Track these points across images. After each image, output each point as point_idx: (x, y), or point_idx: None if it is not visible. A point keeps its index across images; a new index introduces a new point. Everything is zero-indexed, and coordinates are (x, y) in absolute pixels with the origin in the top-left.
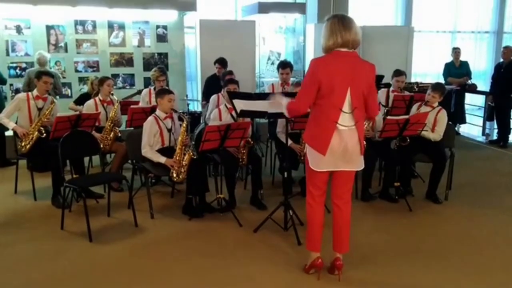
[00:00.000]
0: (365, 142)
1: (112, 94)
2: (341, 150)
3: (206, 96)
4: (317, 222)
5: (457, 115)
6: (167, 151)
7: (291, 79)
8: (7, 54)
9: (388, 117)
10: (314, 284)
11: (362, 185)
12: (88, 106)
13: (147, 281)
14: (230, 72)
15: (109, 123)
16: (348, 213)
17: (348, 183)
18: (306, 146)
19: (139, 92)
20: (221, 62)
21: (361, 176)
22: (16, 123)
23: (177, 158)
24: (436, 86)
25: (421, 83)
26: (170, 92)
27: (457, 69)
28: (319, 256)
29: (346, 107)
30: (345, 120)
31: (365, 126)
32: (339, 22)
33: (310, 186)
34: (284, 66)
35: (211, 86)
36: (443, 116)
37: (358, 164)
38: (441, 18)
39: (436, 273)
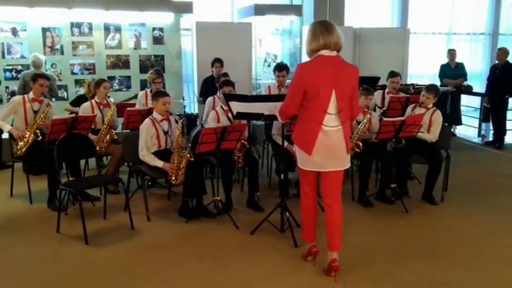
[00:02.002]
0: (361, 144)
1: (109, 97)
2: (327, 150)
3: (203, 97)
4: (309, 213)
5: (453, 117)
6: (163, 153)
7: (288, 81)
8: (3, 57)
9: (384, 119)
10: (312, 286)
11: (359, 188)
12: (85, 109)
13: (143, 284)
14: (225, 74)
15: (105, 126)
16: (339, 211)
17: (336, 182)
18: (295, 146)
19: (136, 96)
20: (220, 61)
21: (358, 178)
22: (11, 125)
23: (175, 161)
24: (430, 87)
25: (417, 85)
26: (165, 94)
27: (452, 71)
28: (314, 244)
29: (331, 109)
30: (331, 121)
31: (362, 127)
32: (321, 26)
33: (302, 183)
34: (280, 68)
35: (208, 87)
36: (438, 117)
37: (344, 163)
38: (436, 20)
39: (432, 273)
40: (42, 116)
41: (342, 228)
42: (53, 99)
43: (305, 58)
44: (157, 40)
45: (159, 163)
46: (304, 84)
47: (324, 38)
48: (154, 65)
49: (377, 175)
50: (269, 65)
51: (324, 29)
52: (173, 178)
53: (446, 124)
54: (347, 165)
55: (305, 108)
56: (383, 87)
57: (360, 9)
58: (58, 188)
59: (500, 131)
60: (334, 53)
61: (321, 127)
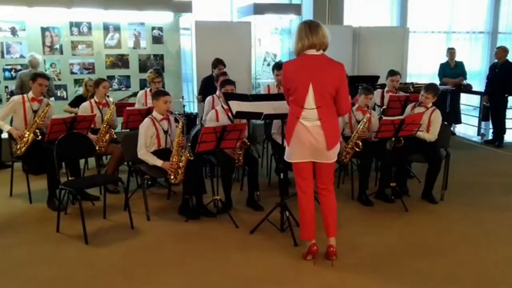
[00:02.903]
0: (361, 143)
1: (108, 96)
2: (308, 144)
3: (202, 94)
4: (307, 212)
5: (453, 115)
6: (163, 153)
7: None
8: (2, 56)
9: (384, 118)
10: (310, 285)
11: (359, 187)
12: (84, 108)
13: (143, 283)
14: (224, 73)
15: (105, 125)
16: (332, 200)
17: (327, 174)
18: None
19: (134, 94)
20: (223, 62)
21: (357, 176)
22: (11, 125)
23: (174, 160)
24: (429, 87)
25: (417, 84)
26: (166, 93)
27: (452, 70)
28: (314, 243)
29: (308, 104)
30: (308, 117)
31: (361, 127)
32: (306, 27)
33: (297, 178)
34: (279, 67)
35: (208, 86)
36: (437, 116)
37: (328, 157)
38: (436, 19)
39: (432, 271)
40: (41, 115)
41: (336, 215)
42: (51, 99)
43: None
44: (157, 40)
45: (158, 162)
46: (286, 81)
47: (309, 39)
48: (153, 65)
49: (376, 174)
50: (268, 64)
51: (308, 30)
52: (172, 177)
53: (445, 123)
54: (332, 159)
55: (290, 103)
56: (383, 86)
57: (359, 8)
58: (58, 188)
59: (500, 129)
60: (319, 52)
61: (298, 121)
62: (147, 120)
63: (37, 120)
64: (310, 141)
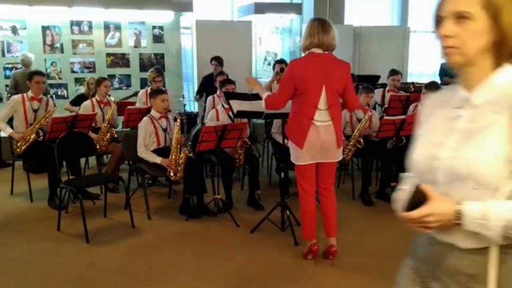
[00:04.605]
0: (362, 140)
1: (109, 95)
2: (319, 144)
3: (200, 94)
4: (308, 211)
5: None
6: (163, 151)
7: None
8: (3, 55)
9: (385, 117)
10: (311, 284)
11: (362, 185)
12: (85, 107)
13: (144, 282)
14: (222, 73)
15: (106, 124)
16: (333, 200)
17: (330, 173)
18: (289, 142)
19: (136, 94)
20: (218, 59)
21: (357, 176)
22: (11, 124)
23: (173, 157)
24: (429, 85)
25: (417, 83)
26: (163, 92)
27: (453, 69)
28: (315, 242)
29: (321, 104)
30: (321, 117)
31: (363, 125)
32: (319, 25)
33: (299, 178)
34: (281, 61)
35: (208, 85)
36: None
37: (335, 156)
38: None
39: None
40: (47, 115)
41: (337, 215)
42: (53, 95)
43: None
44: (157, 39)
45: (157, 159)
46: (294, 80)
47: (319, 37)
48: (154, 64)
49: (377, 174)
50: (269, 64)
51: (321, 28)
52: (172, 174)
53: None
54: (339, 157)
55: (297, 104)
56: (383, 86)
57: (360, 7)
58: (59, 187)
59: None
60: (326, 52)
61: (312, 122)
62: (145, 118)
63: (41, 121)
64: (321, 141)
